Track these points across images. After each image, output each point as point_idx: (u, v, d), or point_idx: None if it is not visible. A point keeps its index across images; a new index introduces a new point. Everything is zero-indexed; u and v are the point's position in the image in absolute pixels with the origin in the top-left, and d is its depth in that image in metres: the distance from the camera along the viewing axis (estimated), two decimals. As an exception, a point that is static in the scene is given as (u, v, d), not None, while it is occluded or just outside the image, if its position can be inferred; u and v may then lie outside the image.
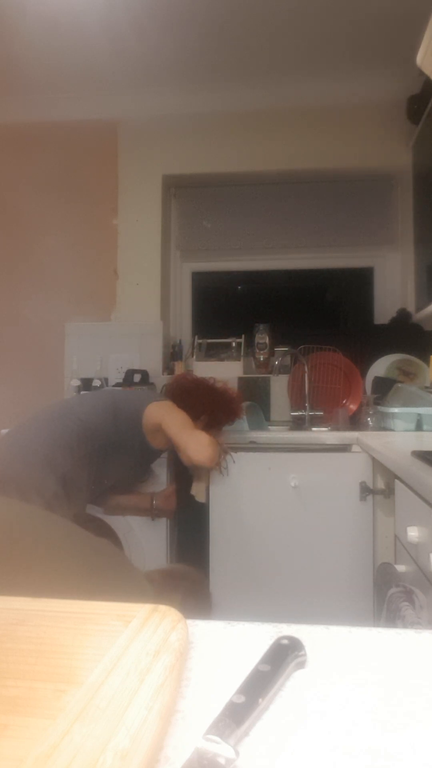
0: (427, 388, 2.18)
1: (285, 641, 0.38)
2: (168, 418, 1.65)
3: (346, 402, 2.52)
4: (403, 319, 2.66)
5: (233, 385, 2.66)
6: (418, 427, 2.03)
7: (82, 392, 2.51)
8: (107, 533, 1.91)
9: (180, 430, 1.62)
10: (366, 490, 1.86)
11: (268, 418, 2.61)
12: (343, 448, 1.99)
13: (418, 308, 2.51)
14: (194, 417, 1.73)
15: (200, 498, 1.87)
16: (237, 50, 2.44)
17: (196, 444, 1.59)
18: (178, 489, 1.96)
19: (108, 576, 0.83)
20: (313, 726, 0.31)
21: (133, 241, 2.80)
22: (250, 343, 2.75)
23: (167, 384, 1.96)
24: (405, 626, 1.01)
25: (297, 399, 2.56)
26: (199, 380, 1.92)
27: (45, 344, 2.79)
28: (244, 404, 1.90)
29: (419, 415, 2.03)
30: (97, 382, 2.62)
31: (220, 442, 1.82)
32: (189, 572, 1.44)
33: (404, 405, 2.09)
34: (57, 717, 0.29)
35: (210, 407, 1.80)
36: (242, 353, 2.73)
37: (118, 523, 1.96)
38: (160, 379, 2.65)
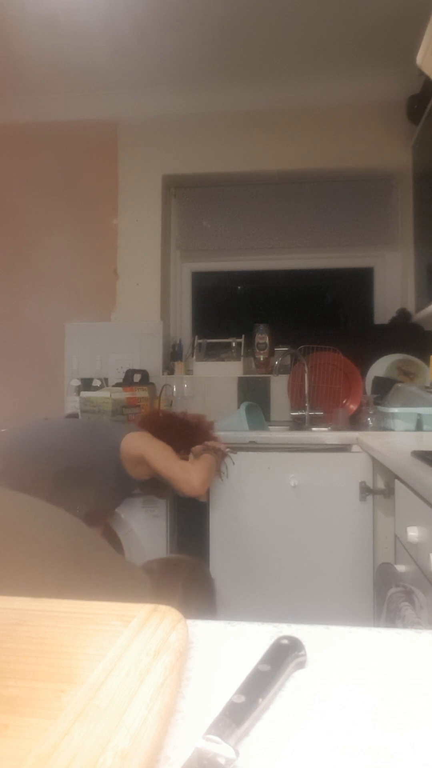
0: (427, 388, 2.18)
1: (285, 641, 0.38)
2: (151, 450, 1.65)
3: (346, 402, 2.52)
4: (403, 319, 2.66)
5: (233, 386, 2.68)
6: (418, 427, 2.03)
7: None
8: (109, 536, 1.91)
9: (166, 464, 1.64)
10: (366, 490, 1.86)
11: (268, 418, 2.61)
12: (343, 448, 1.99)
13: (418, 308, 2.51)
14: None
15: (202, 498, 1.87)
16: (237, 50, 2.43)
17: (184, 475, 1.62)
18: None
19: (99, 565, 0.82)
20: (313, 726, 0.31)
21: (133, 241, 2.80)
22: (250, 343, 2.75)
23: (139, 421, 1.95)
24: (405, 626, 1.01)
25: (297, 399, 2.56)
26: (171, 416, 1.92)
27: (45, 344, 2.79)
28: (219, 434, 1.92)
29: (419, 415, 2.03)
30: (97, 382, 2.62)
31: (218, 446, 1.82)
32: (187, 559, 1.45)
33: (404, 405, 2.09)
34: (57, 717, 0.29)
35: (188, 442, 1.80)
36: (242, 353, 2.73)
37: (118, 523, 1.96)
38: (160, 379, 2.65)
